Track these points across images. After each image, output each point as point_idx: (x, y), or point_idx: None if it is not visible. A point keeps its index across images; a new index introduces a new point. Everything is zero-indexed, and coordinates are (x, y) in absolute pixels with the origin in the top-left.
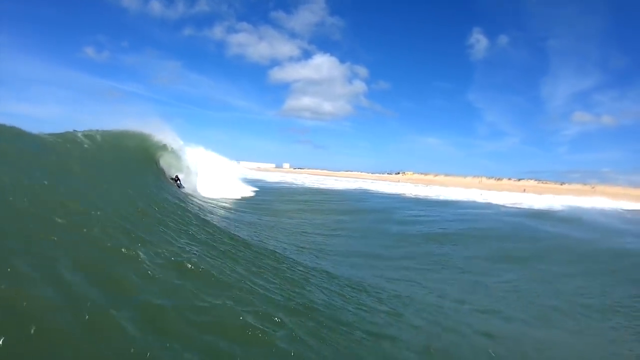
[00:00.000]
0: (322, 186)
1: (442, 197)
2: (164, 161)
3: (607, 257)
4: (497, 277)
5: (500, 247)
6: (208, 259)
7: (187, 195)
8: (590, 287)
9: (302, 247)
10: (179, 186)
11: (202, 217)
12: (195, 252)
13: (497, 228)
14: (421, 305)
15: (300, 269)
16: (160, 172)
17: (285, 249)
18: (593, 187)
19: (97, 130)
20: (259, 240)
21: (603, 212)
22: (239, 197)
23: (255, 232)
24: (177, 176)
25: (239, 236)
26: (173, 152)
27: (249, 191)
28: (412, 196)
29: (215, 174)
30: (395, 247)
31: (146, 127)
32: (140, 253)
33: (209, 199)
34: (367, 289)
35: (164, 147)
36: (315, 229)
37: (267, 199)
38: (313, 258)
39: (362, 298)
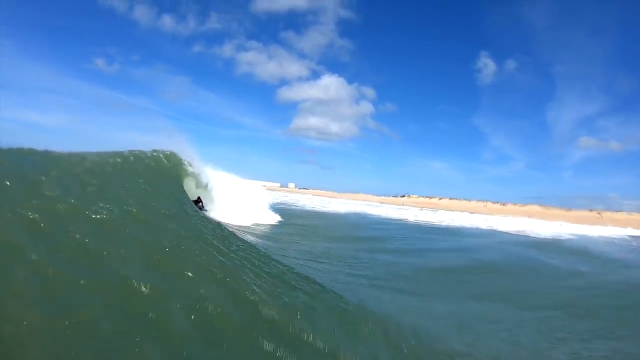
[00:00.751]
0: (322, 208)
1: (445, 224)
2: (187, 183)
3: (614, 298)
4: (490, 320)
5: (498, 284)
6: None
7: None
8: (596, 336)
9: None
10: (201, 208)
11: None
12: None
13: (498, 260)
14: (397, 344)
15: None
16: (182, 192)
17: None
18: (600, 214)
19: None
20: (230, 256)
21: (610, 241)
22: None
23: (229, 251)
24: (199, 198)
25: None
26: (195, 174)
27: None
28: (414, 222)
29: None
30: (381, 279)
31: (170, 146)
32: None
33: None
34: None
35: (187, 169)
36: (299, 254)
37: (259, 222)
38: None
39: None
